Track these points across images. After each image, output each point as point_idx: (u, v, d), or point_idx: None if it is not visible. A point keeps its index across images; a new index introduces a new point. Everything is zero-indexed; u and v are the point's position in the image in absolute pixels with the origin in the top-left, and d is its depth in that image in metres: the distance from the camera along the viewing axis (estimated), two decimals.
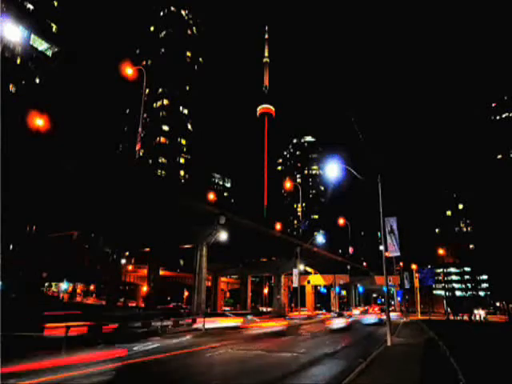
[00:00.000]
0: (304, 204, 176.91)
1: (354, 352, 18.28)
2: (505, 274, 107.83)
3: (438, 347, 19.34)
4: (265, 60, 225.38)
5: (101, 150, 30.38)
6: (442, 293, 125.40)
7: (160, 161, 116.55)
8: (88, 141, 28.16)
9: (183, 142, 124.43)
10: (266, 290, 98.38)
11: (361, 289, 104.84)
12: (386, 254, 22.60)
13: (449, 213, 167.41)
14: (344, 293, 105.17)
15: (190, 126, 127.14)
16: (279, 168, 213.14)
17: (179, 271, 78.47)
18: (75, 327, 9.85)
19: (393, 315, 58.63)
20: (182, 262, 77.22)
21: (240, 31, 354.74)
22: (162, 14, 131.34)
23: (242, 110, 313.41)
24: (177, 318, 30.81)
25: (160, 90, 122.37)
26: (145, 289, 58.48)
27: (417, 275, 74.88)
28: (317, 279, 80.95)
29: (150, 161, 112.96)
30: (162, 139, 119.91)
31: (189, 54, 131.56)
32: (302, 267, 59.60)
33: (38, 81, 76.53)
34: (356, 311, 66.64)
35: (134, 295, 75.37)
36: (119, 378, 9.41)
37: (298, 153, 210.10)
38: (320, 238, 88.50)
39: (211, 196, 39.11)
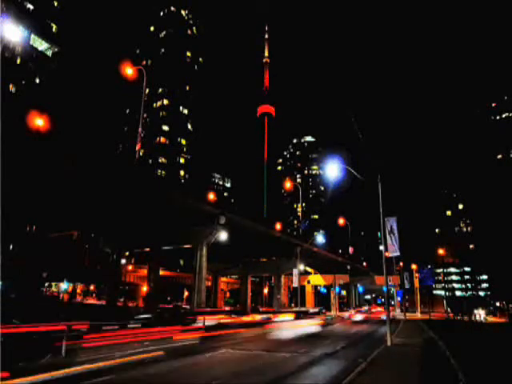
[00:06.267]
0: (304, 204, 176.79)
1: (353, 352, 18.28)
2: (505, 273, 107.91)
3: (438, 347, 19.35)
4: (265, 60, 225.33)
5: (101, 150, 30.38)
6: (442, 293, 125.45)
7: (160, 161, 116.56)
8: (88, 141, 28.16)
9: (183, 142, 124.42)
10: (266, 290, 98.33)
11: (361, 289, 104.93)
12: (386, 253, 22.59)
13: (449, 213, 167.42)
14: (344, 293, 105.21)
15: (190, 126, 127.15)
16: (279, 168, 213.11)
17: (179, 271, 78.46)
18: None
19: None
20: (182, 262, 77.21)
21: (240, 31, 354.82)
22: (162, 14, 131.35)
23: (242, 110, 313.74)
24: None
25: (160, 90, 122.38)
26: (145, 289, 58.40)
27: (417, 275, 74.93)
28: (317, 279, 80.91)
29: (150, 161, 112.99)
30: (162, 139, 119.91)
31: (189, 54, 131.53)
32: (301, 267, 59.60)
33: (38, 81, 76.53)
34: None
35: (134, 295, 75.31)
36: None
37: (298, 153, 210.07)
38: (320, 238, 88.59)
39: (211, 196, 39.12)
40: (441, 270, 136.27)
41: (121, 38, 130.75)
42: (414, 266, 75.22)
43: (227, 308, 76.48)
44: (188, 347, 18.91)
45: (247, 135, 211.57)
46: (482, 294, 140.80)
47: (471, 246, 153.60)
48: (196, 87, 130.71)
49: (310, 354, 16.83)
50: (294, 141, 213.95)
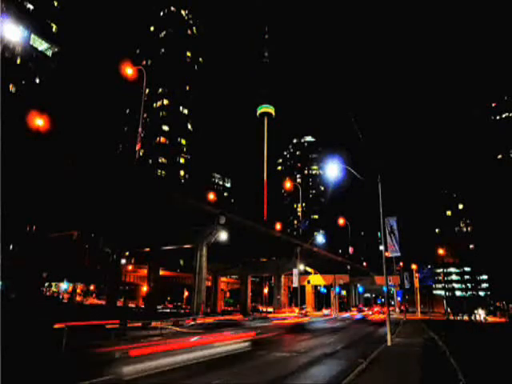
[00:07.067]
0: (304, 204, 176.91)
1: (353, 352, 18.28)
2: (505, 273, 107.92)
3: (438, 347, 19.35)
4: (265, 60, 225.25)
5: (101, 150, 30.38)
6: (442, 293, 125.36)
7: (160, 161, 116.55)
8: (88, 141, 28.16)
9: (183, 142, 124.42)
10: (266, 290, 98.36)
11: (361, 289, 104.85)
12: (386, 254, 22.60)
13: (449, 213, 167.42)
14: (344, 293, 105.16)
15: (190, 126, 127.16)
16: (279, 168, 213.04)
17: (179, 271, 78.48)
18: None
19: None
20: (181, 262, 77.21)
21: (240, 31, 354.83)
22: (162, 13, 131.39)
23: (242, 110, 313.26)
24: (177, 318, 30.80)
25: (160, 90, 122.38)
26: (145, 289, 58.43)
27: (417, 275, 74.92)
28: (317, 279, 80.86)
29: (150, 161, 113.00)
30: (162, 139, 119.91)
31: (189, 54, 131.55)
32: (301, 267, 59.59)
33: (38, 81, 76.52)
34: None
35: (134, 295, 75.41)
36: None
37: (298, 153, 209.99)
38: (320, 238, 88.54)
39: (211, 196, 39.11)
40: (441, 269, 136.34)
41: (121, 38, 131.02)
42: (414, 266, 75.19)
43: (229, 308, 76.56)
44: None
45: (247, 135, 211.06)
46: (482, 294, 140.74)
47: (471, 246, 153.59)
48: (196, 87, 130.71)
49: (309, 354, 16.85)
50: (294, 141, 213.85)
